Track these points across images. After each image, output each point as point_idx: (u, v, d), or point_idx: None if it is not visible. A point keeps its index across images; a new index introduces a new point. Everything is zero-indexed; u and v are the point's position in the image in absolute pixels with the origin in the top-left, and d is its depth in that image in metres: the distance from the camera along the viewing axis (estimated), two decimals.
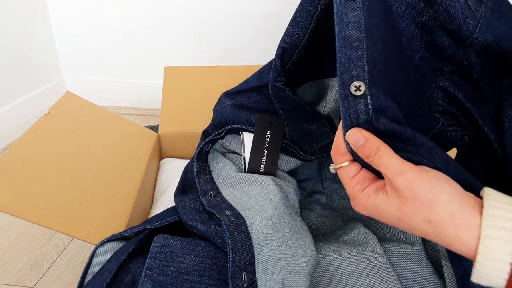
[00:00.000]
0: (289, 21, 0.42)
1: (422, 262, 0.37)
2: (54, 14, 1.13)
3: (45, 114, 0.54)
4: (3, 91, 0.96)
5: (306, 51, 0.43)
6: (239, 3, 1.07)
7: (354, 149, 0.28)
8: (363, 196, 0.27)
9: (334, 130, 0.49)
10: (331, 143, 0.50)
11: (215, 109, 0.55)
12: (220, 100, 0.55)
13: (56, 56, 1.18)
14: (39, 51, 1.10)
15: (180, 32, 1.13)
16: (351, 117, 0.28)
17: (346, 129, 0.29)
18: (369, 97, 0.28)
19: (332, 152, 0.30)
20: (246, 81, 0.52)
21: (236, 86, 0.53)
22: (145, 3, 1.09)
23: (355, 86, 0.28)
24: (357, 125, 0.28)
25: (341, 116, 0.29)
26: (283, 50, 0.43)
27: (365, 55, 0.28)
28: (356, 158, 0.29)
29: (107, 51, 1.17)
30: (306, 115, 0.48)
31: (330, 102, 0.47)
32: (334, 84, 0.47)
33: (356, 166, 0.29)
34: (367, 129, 0.28)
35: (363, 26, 0.29)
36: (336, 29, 0.29)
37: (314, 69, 0.46)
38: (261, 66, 0.76)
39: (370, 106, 0.28)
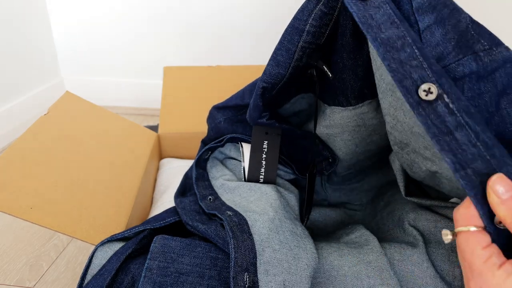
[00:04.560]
0: (286, 22, 0.40)
1: (423, 265, 0.36)
2: (53, 13, 1.13)
3: (45, 114, 0.54)
4: (2, 91, 0.96)
5: (285, 85, 0.40)
6: (239, 3, 1.07)
7: (499, 201, 0.21)
8: (501, 274, 0.20)
9: (326, 149, 0.48)
10: (325, 160, 0.49)
11: (209, 123, 0.55)
12: (211, 114, 0.54)
13: (55, 56, 1.18)
14: (38, 51, 1.10)
15: (180, 32, 1.13)
16: (436, 125, 0.23)
17: (435, 139, 0.23)
18: (445, 95, 0.23)
19: (459, 210, 0.23)
20: (230, 99, 0.51)
21: (223, 101, 0.52)
22: (145, 3, 1.09)
23: (424, 90, 0.23)
24: (449, 132, 0.23)
25: (426, 131, 0.23)
26: (263, 90, 0.39)
27: (415, 51, 0.24)
28: (489, 224, 0.22)
29: (107, 50, 1.17)
30: (296, 135, 0.46)
31: (320, 127, 0.45)
32: (325, 109, 0.43)
33: (488, 234, 0.22)
34: (461, 133, 0.22)
35: (396, 20, 0.25)
36: (369, 37, 0.25)
37: (300, 87, 0.44)
38: (261, 66, 0.76)
39: (451, 105, 0.23)
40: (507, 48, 0.28)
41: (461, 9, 0.29)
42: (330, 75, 0.38)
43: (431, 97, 0.23)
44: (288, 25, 0.36)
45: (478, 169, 0.22)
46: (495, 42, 0.28)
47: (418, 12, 0.28)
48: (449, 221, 0.38)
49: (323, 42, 0.37)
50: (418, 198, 0.40)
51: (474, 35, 0.28)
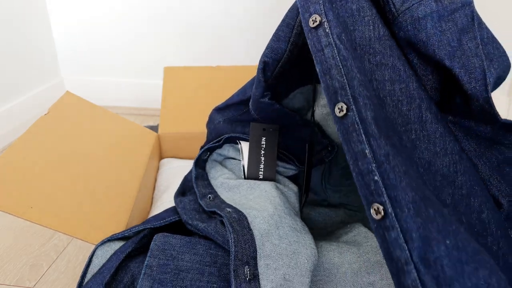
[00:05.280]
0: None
1: None
2: (53, 13, 1.13)
3: (45, 114, 0.54)
4: (2, 91, 0.96)
5: (288, 65, 0.41)
6: (239, 3, 1.07)
7: None
8: None
9: (325, 137, 0.49)
10: (324, 149, 0.50)
11: (208, 127, 0.55)
12: (211, 118, 0.55)
13: (55, 56, 1.18)
14: (38, 51, 1.10)
15: (180, 32, 1.13)
16: (316, 45, 0.28)
17: (319, 67, 0.28)
18: (326, 23, 0.28)
19: None
20: (232, 96, 0.52)
21: (224, 101, 0.53)
22: (145, 3, 1.09)
23: (313, 20, 0.29)
24: (321, 49, 0.28)
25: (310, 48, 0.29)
26: (264, 65, 0.41)
27: None
28: None
29: (107, 50, 1.17)
30: (295, 123, 0.47)
31: (318, 107, 0.46)
32: (321, 90, 0.45)
33: None
34: (331, 52, 0.28)
35: None
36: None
37: (301, 77, 0.45)
38: None
39: (328, 30, 0.28)
40: None
41: None
42: None
43: (315, 24, 0.29)
44: (292, 6, 0.39)
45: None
46: None
47: None
48: None
49: None
50: None
51: None
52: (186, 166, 0.70)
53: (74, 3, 1.11)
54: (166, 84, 0.80)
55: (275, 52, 0.41)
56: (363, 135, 0.25)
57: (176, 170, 0.69)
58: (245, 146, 0.48)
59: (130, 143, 0.64)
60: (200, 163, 0.49)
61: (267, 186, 0.43)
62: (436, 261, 0.21)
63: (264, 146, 0.47)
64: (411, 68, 0.33)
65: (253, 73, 0.86)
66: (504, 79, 0.34)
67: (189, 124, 0.74)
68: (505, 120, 0.32)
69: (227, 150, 0.50)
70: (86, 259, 0.36)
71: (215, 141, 0.50)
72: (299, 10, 0.31)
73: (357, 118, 0.26)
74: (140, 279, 0.30)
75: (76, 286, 0.35)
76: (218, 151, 0.51)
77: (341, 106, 0.27)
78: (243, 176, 0.48)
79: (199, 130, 0.72)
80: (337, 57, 0.28)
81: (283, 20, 0.39)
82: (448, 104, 0.34)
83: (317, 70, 0.29)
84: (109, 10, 1.11)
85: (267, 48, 0.41)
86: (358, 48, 0.32)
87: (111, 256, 0.36)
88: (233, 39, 1.12)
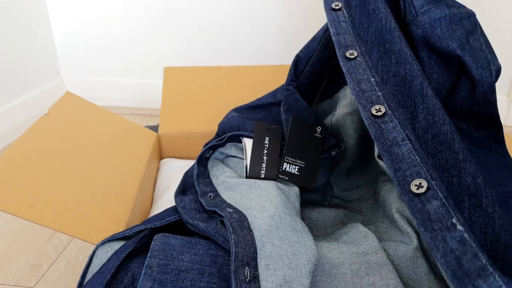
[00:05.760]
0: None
1: (417, 261, 0.37)
2: (53, 14, 1.13)
3: (45, 114, 0.54)
4: (2, 91, 0.96)
5: (317, 67, 0.49)
6: (239, 4, 1.07)
7: None
8: None
9: (339, 139, 0.52)
10: (331, 147, 0.51)
11: (220, 122, 0.57)
12: (227, 114, 0.58)
13: (56, 56, 1.18)
14: (39, 51, 1.10)
15: (181, 32, 1.13)
16: (334, 19, 0.34)
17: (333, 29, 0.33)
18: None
19: None
20: (259, 98, 0.58)
21: (247, 103, 0.58)
22: (145, 3, 1.10)
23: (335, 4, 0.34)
24: (338, 21, 0.34)
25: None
26: (297, 58, 0.50)
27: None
28: None
29: (107, 50, 1.17)
30: (308, 118, 0.50)
31: (340, 108, 0.50)
32: (345, 92, 0.50)
33: None
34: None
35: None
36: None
37: (326, 85, 0.52)
38: (261, 67, 0.78)
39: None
40: (469, 9, 0.41)
41: None
42: None
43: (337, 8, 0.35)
44: None
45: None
46: (459, 3, 0.41)
47: None
48: None
49: None
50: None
51: None
52: (186, 166, 0.70)
53: (74, 3, 1.11)
54: (166, 84, 0.80)
55: (308, 49, 0.49)
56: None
57: (176, 170, 0.69)
58: (248, 143, 0.48)
59: (130, 143, 0.64)
60: (203, 161, 0.49)
61: (268, 185, 0.43)
62: None
63: (267, 145, 0.48)
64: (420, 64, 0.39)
65: (254, 73, 0.86)
66: (499, 76, 0.41)
67: (189, 124, 0.74)
68: (497, 131, 0.39)
69: (230, 148, 0.51)
70: (86, 259, 0.36)
71: (218, 139, 0.50)
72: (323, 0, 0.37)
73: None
74: (140, 279, 0.31)
75: (76, 286, 0.35)
76: (221, 149, 0.51)
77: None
78: (244, 175, 0.48)
79: (199, 130, 0.72)
80: (349, 23, 0.34)
81: (322, 27, 0.48)
82: (449, 102, 0.38)
83: (331, 32, 0.35)
84: (109, 10, 1.11)
85: (303, 46, 0.50)
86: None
87: (111, 256, 0.36)
88: (233, 39, 1.12)
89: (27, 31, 1.04)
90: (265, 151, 0.47)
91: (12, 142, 0.48)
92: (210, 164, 0.50)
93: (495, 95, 0.37)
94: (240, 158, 0.50)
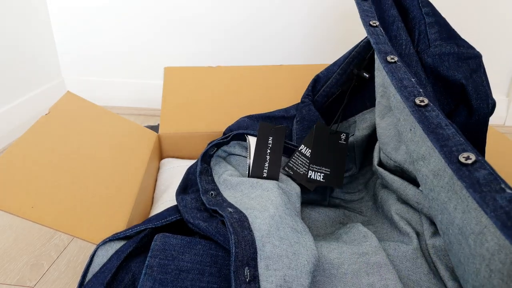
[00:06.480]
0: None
1: (417, 261, 0.37)
2: (54, 14, 1.13)
3: (46, 114, 0.54)
4: (3, 91, 0.96)
5: (334, 88, 0.55)
6: (239, 4, 1.07)
7: None
8: None
9: (351, 156, 0.56)
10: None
11: (230, 125, 0.61)
12: (238, 119, 0.63)
13: (56, 56, 1.19)
14: (39, 51, 1.10)
15: (181, 32, 1.13)
16: (373, 34, 0.39)
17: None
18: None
19: None
20: (272, 111, 0.63)
21: (260, 113, 0.63)
22: (145, 3, 1.10)
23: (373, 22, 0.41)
24: (376, 33, 0.40)
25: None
26: (317, 78, 0.55)
27: None
28: None
29: (107, 51, 1.17)
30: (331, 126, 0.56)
31: (359, 130, 0.54)
32: (365, 116, 0.55)
33: None
34: None
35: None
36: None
37: (344, 108, 0.56)
38: (261, 67, 0.78)
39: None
40: (477, 51, 0.45)
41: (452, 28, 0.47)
42: (367, 76, 0.53)
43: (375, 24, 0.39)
44: (353, 47, 0.56)
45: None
46: (469, 45, 0.45)
47: (429, 26, 0.45)
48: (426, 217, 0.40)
49: (368, 56, 0.54)
50: (385, 169, 0.45)
51: (457, 35, 0.45)
52: (186, 166, 0.70)
53: (75, 4, 1.11)
54: (166, 84, 0.80)
55: (328, 71, 0.55)
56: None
57: (176, 170, 0.69)
58: (252, 141, 0.49)
59: (131, 143, 0.64)
60: (206, 158, 0.50)
61: (269, 185, 0.43)
62: None
63: (270, 145, 0.48)
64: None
65: (253, 73, 0.86)
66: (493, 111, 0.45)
67: (189, 124, 0.74)
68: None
69: (234, 146, 0.51)
70: (87, 259, 0.37)
71: (223, 137, 0.51)
72: (361, 19, 0.43)
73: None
74: (141, 280, 0.31)
75: (77, 285, 0.35)
76: (225, 147, 0.51)
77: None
78: (247, 173, 0.48)
79: (199, 130, 0.72)
80: (386, 37, 0.41)
81: (343, 55, 0.55)
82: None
83: (371, 42, 0.40)
84: (110, 11, 1.11)
85: (325, 68, 0.57)
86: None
87: (112, 256, 0.36)
88: (233, 39, 1.12)
89: (28, 32, 1.04)
90: (268, 151, 0.48)
91: (13, 142, 0.48)
92: (213, 161, 0.50)
93: (487, 126, 0.42)
94: (243, 157, 0.50)
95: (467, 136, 0.41)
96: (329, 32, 1.08)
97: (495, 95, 1.14)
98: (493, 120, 1.10)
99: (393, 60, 0.34)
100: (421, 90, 0.30)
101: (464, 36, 0.49)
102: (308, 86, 0.56)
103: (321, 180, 0.49)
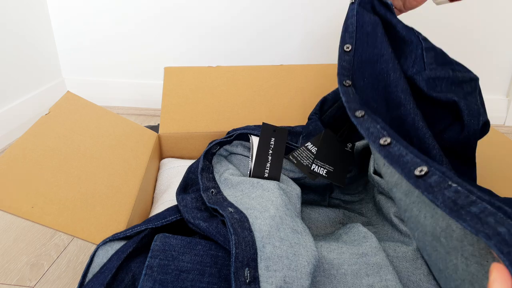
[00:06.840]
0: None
1: (417, 262, 0.37)
2: (54, 14, 1.13)
3: (46, 114, 0.54)
4: (3, 91, 0.96)
5: (339, 111, 0.56)
6: (239, 4, 1.07)
7: None
8: None
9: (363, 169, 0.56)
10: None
11: (234, 129, 0.60)
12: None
13: (56, 56, 1.19)
14: (39, 51, 1.10)
15: (181, 32, 1.13)
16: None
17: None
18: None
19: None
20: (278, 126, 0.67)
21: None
22: (145, 3, 1.10)
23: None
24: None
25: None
26: (324, 99, 0.58)
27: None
28: None
29: (108, 51, 1.17)
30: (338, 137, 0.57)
31: (359, 141, 0.55)
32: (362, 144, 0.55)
33: None
34: None
35: None
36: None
37: (346, 134, 0.57)
38: (261, 67, 0.79)
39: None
40: (474, 75, 0.47)
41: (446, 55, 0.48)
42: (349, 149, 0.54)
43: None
44: None
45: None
46: (466, 69, 0.47)
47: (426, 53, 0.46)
48: None
49: None
50: (380, 177, 0.47)
51: (453, 61, 0.47)
52: (186, 166, 0.70)
53: (75, 4, 1.11)
54: (167, 84, 0.80)
55: (335, 94, 0.57)
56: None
57: (176, 170, 0.69)
58: (255, 141, 0.49)
59: (131, 143, 0.64)
60: (208, 156, 0.50)
61: (270, 185, 0.43)
62: None
63: (272, 146, 0.48)
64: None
65: (253, 73, 0.86)
66: (485, 129, 0.47)
67: (189, 124, 0.74)
68: (472, 169, 0.46)
69: (236, 146, 0.51)
70: (87, 259, 0.37)
71: (226, 136, 0.51)
72: (337, 76, 0.44)
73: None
74: (141, 280, 0.31)
75: (77, 285, 0.35)
76: (227, 146, 0.52)
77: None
78: (248, 173, 0.48)
79: (199, 130, 0.72)
80: (356, 95, 0.42)
81: None
82: (436, 139, 0.44)
83: (343, 100, 0.41)
84: (110, 11, 1.11)
85: (332, 90, 0.59)
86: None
87: (112, 256, 0.36)
88: (233, 39, 1.12)
89: (28, 31, 1.04)
90: (270, 151, 0.48)
91: (13, 142, 0.48)
92: (214, 160, 0.51)
93: (476, 142, 0.44)
94: (245, 156, 0.50)
95: (458, 149, 0.44)
96: (329, 32, 1.08)
97: (495, 95, 1.13)
98: (493, 120, 1.10)
99: (360, 115, 0.38)
100: (385, 132, 0.35)
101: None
102: (316, 106, 0.58)
103: (324, 175, 0.49)
